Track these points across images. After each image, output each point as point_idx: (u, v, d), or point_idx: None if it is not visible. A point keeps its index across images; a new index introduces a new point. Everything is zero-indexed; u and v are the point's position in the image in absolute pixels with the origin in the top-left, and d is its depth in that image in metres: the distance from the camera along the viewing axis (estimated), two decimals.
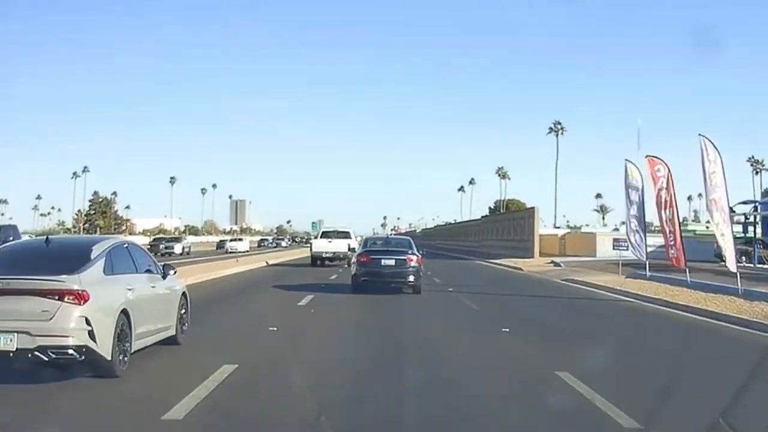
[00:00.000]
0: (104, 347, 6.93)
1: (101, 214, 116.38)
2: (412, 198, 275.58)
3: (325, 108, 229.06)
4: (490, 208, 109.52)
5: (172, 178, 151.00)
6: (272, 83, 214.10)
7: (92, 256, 7.45)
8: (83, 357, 6.79)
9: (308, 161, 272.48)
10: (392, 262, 18.27)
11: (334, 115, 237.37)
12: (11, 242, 12.70)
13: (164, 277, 9.02)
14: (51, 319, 6.62)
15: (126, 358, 7.42)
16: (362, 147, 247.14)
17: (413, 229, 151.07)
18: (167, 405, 6.09)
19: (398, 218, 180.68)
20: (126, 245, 8.55)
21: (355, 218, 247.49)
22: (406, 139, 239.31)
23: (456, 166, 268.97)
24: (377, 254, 18.61)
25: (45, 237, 8.63)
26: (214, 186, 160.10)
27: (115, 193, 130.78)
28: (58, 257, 7.46)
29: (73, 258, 7.36)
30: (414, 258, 18.38)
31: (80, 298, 6.76)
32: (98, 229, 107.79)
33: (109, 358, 7.02)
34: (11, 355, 6.58)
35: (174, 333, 9.15)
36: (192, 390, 6.64)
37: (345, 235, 32.89)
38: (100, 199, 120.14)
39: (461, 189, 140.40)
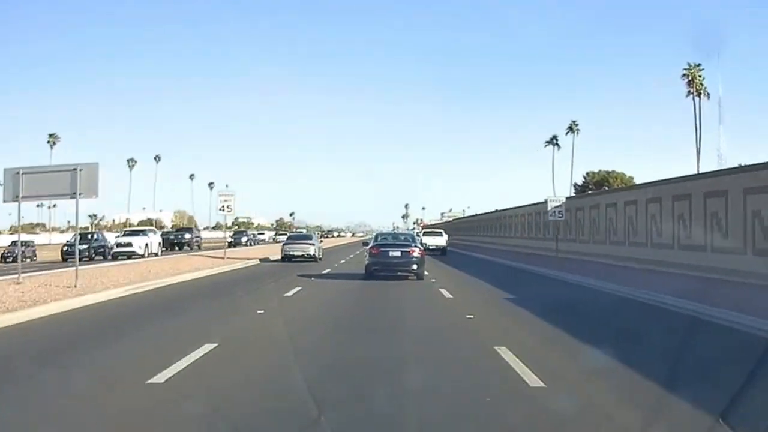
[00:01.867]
0: (317, 256, 32.89)
1: None
2: (438, 183, 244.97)
3: (325, 96, 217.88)
4: (576, 185, 74.85)
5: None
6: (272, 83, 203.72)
7: (312, 237, 34.24)
8: (313, 257, 32.61)
9: (309, 147, 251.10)
10: (398, 254, 20.77)
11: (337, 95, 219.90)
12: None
13: (321, 241, 35.70)
14: (310, 248, 32.51)
15: (318, 259, 33.42)
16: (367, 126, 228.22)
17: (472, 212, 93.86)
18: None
19: (423, 208, 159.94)
20: (316, 235, 35.55)
21: (374, 211, 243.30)
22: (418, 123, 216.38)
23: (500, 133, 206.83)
24: (386, 247, 21.29)
25: (301, 232, 35.85)
26: (157, 158, 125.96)
27: None
28: (307, 236, 34.43)
29: (311, 237, 34.23)
30: (417, 250, 20.92)
31: (315, 244, 33.15)
32: None
33: (318, 258, 32.98)
34: (299, 258, 32.54)
35: (321, 257, 35.08)
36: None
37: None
38: None
39: (553, 141, 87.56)
